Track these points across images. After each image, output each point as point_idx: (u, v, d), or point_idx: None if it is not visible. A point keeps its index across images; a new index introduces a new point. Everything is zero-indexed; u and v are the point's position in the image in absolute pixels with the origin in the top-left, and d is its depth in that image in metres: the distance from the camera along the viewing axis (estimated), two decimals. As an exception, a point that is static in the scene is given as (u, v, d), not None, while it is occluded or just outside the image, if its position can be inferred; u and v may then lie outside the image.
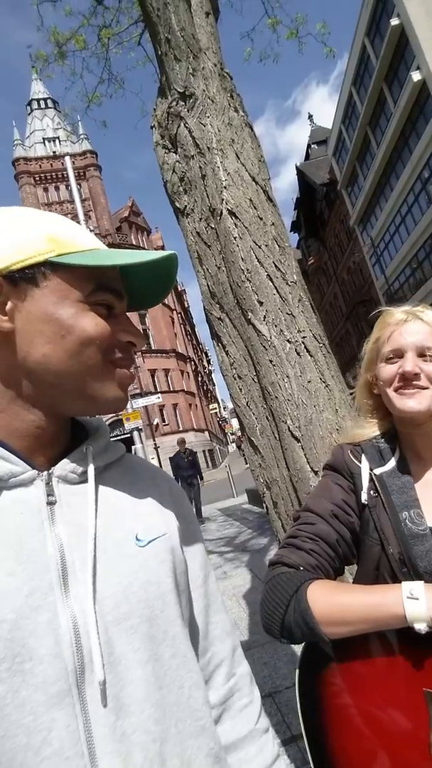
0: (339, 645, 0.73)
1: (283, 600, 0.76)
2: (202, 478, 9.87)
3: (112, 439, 0.62)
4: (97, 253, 0.51)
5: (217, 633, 0.65)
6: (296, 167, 37.93)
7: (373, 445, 0.91)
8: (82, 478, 0.53)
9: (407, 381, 0.84)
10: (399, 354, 0.87)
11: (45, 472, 0.51)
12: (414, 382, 0.84)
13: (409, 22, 18.20)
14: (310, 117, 42.49)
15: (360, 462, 0.89)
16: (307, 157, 40.15)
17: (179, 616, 0.55)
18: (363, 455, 0.90)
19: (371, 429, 0.94)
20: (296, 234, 45.79)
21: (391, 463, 0.87)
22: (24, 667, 0.42)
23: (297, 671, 0.80)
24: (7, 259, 0.48)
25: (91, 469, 0.54)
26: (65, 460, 0.53)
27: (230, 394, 1.79)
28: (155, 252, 0.51)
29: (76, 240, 0.51)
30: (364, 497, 0.85)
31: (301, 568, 0.80)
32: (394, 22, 18.91)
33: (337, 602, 0.71)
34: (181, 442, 9.97)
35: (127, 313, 0.58)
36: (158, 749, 0.46)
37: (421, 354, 0.85)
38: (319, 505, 0.88)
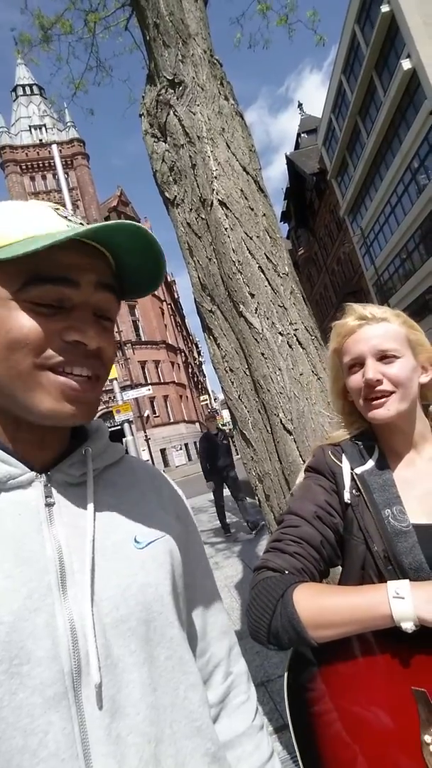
0: (326, 647, 0.72)
1: (269, 605, 0.75)
2: (233, 468, 6.61)
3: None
4: (26, 242, 0.45)
5: (214, 634, 0.66)
6: (286, 156, 37.70)
7: (352, 445, 0.91)
8: (81, 480, 0.53)
9: (371, 388, 0.84)
10: (360, 362, 0.87)
11: (43, 474, 0.51)
12: (378, 389, 0.84)
13: (399, 9, 18.05)
14: (300, 106, 42.17)
15: (341, 462, 0.89)
16: (297, 146, 39.89)
17: (177, 618, 0.55)
18: (343, 455, 0.90)
19: (350, 429, 0.95)
20: (286, 224, 45.65)
21: (371, 462, 0.88)
22: (21, 670, 0.41)
23: (285, 676, 0.80)
24: None
25: (89, 471, 0.54)
26: (63, 462, 0.52)
27: (222, 387, 1.78)
28: (100, 224, 0.44)
29: (5, 233, 0.46)
30: (346, 496, 0.85)
31: (286, 572, 0.80)
32: (385, 9, 18.74)
33: (324, 605, 0.71)
34: (211, 418, 6.91)
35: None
36: (153, 750, 0.47)
37: (381, 357, 0.85)
38: (302, 508, 0.87)
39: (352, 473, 0.87)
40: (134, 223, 0.46)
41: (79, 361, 0.48)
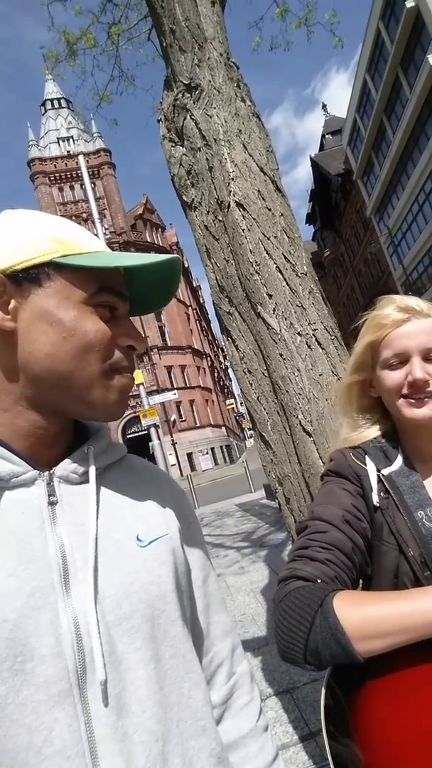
0: (369, 661, 0.63)
1: (305, 618, 0.66)
2: None
3: (122, 438, 0.61)
4: (101, 255, 0.51)
5: (217, 633, 0.65)
6: (310, 158, 37.44)
7: (375, 446, 0.86)
8: (84, 479, 0.53)
9: (417, 389, 0.78)
10: (404, 359, 0.81)
11: (46, 473, 0.51)
12: (426, 389, 0.78)
13: (425, 3, 17.72)
14: (324, 107, 41.84)
15: (365, 464, 0.84)
16: (322, 147, 39.57)
17: (180, 616, 0.55)
18: (366, 456, 0.85)
19: (370, 430, 0.89)
20: (311, 226, 45.28)
21: (398, 463, 0.82)
22: (26, 667, 0.42)
23: (322, 695, 0.70)
24: (12, 258, 0.48)
25: (92, 469, 0.54)
26: (67, 461, 0.53)
27: (241, 389, 1.77)
28: (157, 255, 0.51)
29: (80, 242, 0.51)
30: (375, 499, 0.79)
31: (319, 581, 0.71)
32: (410, 4, 18.45)
33: (369, 614, 0.62)
34: None
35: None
36: (160, 749, 0.46)
37: (426, 357, 0.79)
38: (328, 512, 0.80)
39: (378, 475, 0.82)
40: (179, 258, 0.53)
41: (132, 363, 0.55)
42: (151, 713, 0.47)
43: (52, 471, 0.51)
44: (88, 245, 0.52)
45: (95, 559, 0.48)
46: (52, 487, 0.51)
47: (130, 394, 0.58)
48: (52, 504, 0.50)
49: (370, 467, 0.83)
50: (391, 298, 0.85)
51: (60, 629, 0.44)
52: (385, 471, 0.82)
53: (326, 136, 39.48)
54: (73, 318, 0.49)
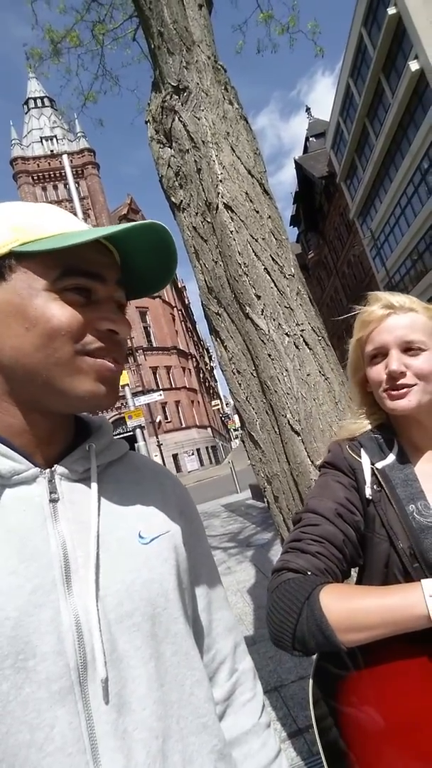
0: (354, 651, 0.68)
1: (293, 608, 0.70)
2: None
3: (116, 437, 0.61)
4: (66, 236, 0.47)
5: (219, 630, 0.65)
6: (294, 161, 37.73)
7: (371, 438, 0.88)
8: (85, 476, 0.53)
9: (394, 380, 0.82)
10: (383, 352, 0.84)
11: (48, 470, 0.51)
12: (400, 381, 0.81)
13: (406, 10, 18.02)
14: (308, 110, 42.21)
15: (360, 457, 0.86)
16: (306, 150, 39.90)
17: (182, 614, 0.55)
18: (362, 449, 0.87)
19: (367, 421, 0.92)
20: (296, 228, 45.60)
21: (392, 456, 0.84)
22: (27, 665, 0.42)
23: (310, 685, 0.75)
24: None
25: (93, 466, 0.54)
26: (68, 458, 0.53)
27: (229, 389, 1.79)
28: (133, 223, 0.47)
29: (44, 225, 0.49)
30: (367, 492, 0.82)
31: (309, 573, 0.75)
32: (391, 11, 18.73)
33: (353, 607, 0.66)
34: None
35: (128, 311, 0.56)
36: (160, 746, 0.47)
37: (406, 349, 0.82)
38: (321, 505, 0.83)
39: (372, 468, 0.84)
40: (161, 223, 0.49)
41: (115, 348, 0.51)
42: (151, 711, 0.47)
43: (53, 468, 0.51)
44: (52, 227, 0.49)
45: (97, 557, 0.48)
46: (54, 484, 0.50)
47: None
48: (53, 501, 0.49)
49: (365, 460, 0.85)
50: (376, 296, 0.89)
51: (61, 627, 0.44)
52: (379, 464, 0.84)
53: (310, 138, 39.83)
54: (37, 307, 0.46)
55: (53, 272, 0.47)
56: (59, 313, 0.47)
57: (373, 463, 0.84)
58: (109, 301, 0.52)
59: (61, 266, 0.47)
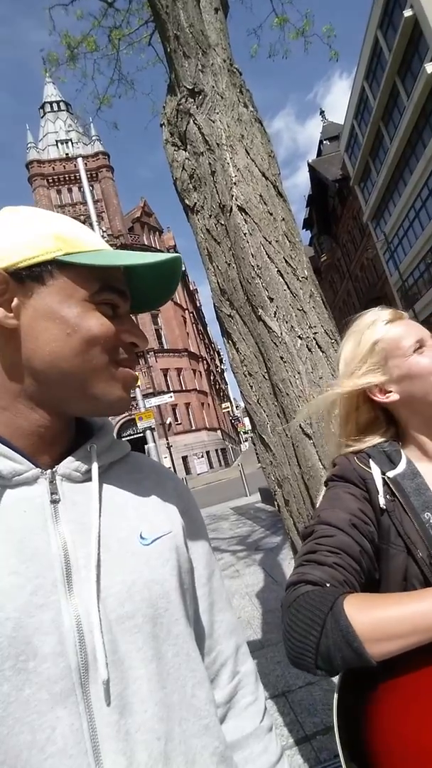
0: (382, 664, 0.62)
1: (315, 622, 0.64)
2: None
3: (123, 438, 0.61)
4: (104, 254, 0.51)
5: (221, 631, 0.64)
6: (308, 163, 37.66)
7: (378, 450, 0.87)
8: (86, 477, 0.53)
9: None
10: (423, 344, 0.86)
11: (49, 471, 0.51)
12: None
13: (422, 12, 17.92)
14: (322, 113, 42.12)
15: (369, 467, 0.84)
16: (319, 153, 39.82)
17: (183, 615, 0.54)
18: (371, 460, 0.85)
19: (369, 437, 0.90)
20: (308, 231, 45.48)
21: (402, 466, 0.83)
22: (28, 666, 0.42)
23: (335, 699, 0.69)
24: (14, 256, 0.48)
25: (95, 467, 0.54)
26: (69, 459, 0.53)
27: (241, 392, 1.78)
28: (160, 254, 0.51)
29: (83, 240, 0.52)
30: (382, 502, 0.79)
31: (328, 585, 0.70)
32: (407, 13, 18.65)
33: (382, 615, 0.61)
34: None
35: (139, 314, 0.59)
36: (162, 748, 0.46)
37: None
38: (334, 516, 0.79)
39: (383, 478, 0.82)
40: (180, 257, 0.53)
41: (135, 358, 0.56)
42: (153, 712, 0.47)
43: (54, 469, 0.51)
44: (90, 243, 0.52)
45: (98, 558, 0.48)
46: (55, 485, 0.50)
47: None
48: (54, 502, 0.49)
49: (375, 470, 0.83)
50: (363, 313, 0.94)
51: (62, 628, 0.44)
52: (390, 474, 0.82)
53: (324, 141, 39.74)
54: (76, 314, 0.49)
55: (93, 285, 0.51)
56: (98, 323, 0.50)
57: (383, 473, 0.82)
58: (129, 315, 0.56)
59: (101, 281, 0.51)
